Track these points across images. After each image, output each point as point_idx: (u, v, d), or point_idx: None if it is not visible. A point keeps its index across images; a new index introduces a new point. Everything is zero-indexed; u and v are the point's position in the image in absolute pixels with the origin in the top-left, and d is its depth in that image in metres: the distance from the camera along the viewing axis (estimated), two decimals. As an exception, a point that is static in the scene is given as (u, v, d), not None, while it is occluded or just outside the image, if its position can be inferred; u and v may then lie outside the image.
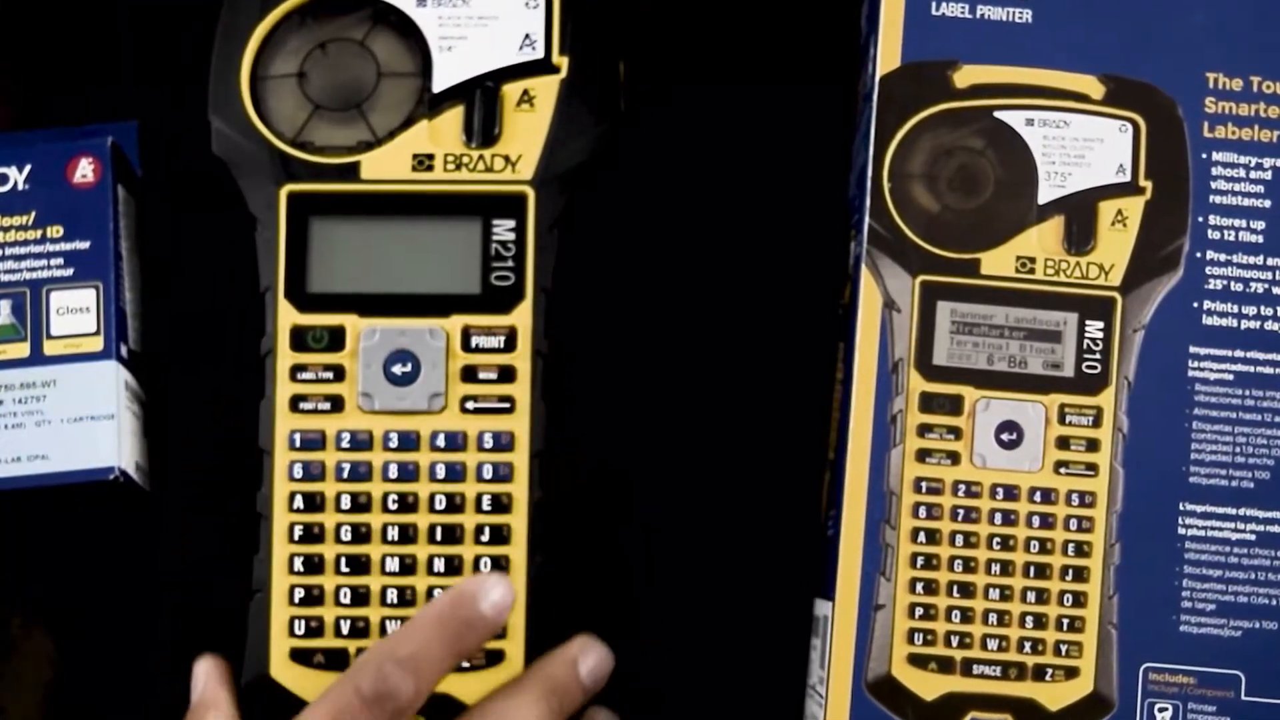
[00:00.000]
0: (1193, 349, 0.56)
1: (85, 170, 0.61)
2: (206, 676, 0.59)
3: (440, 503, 0.57)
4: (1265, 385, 0.56)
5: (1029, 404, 0.56)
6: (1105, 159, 0.57)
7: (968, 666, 0.56)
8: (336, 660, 0.56)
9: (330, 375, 0.57)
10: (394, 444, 0.57)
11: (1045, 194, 0.57)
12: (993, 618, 0.56)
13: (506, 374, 0.57)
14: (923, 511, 0.56)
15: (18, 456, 0.59)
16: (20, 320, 0.60)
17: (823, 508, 0.60)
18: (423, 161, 0.58)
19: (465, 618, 0.55)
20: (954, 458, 0.56)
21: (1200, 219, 0.57)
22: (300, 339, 0.58)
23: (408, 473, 0.57)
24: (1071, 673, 0.55)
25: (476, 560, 0.57)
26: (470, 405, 0.57)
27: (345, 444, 0.57)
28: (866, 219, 0.57)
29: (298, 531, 0.56)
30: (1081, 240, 0.56)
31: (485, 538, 0.57)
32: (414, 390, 0.57)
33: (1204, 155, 0.57)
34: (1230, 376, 0.56)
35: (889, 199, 0.57)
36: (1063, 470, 0.56)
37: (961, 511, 0.56)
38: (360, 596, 0.56)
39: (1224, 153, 0.57)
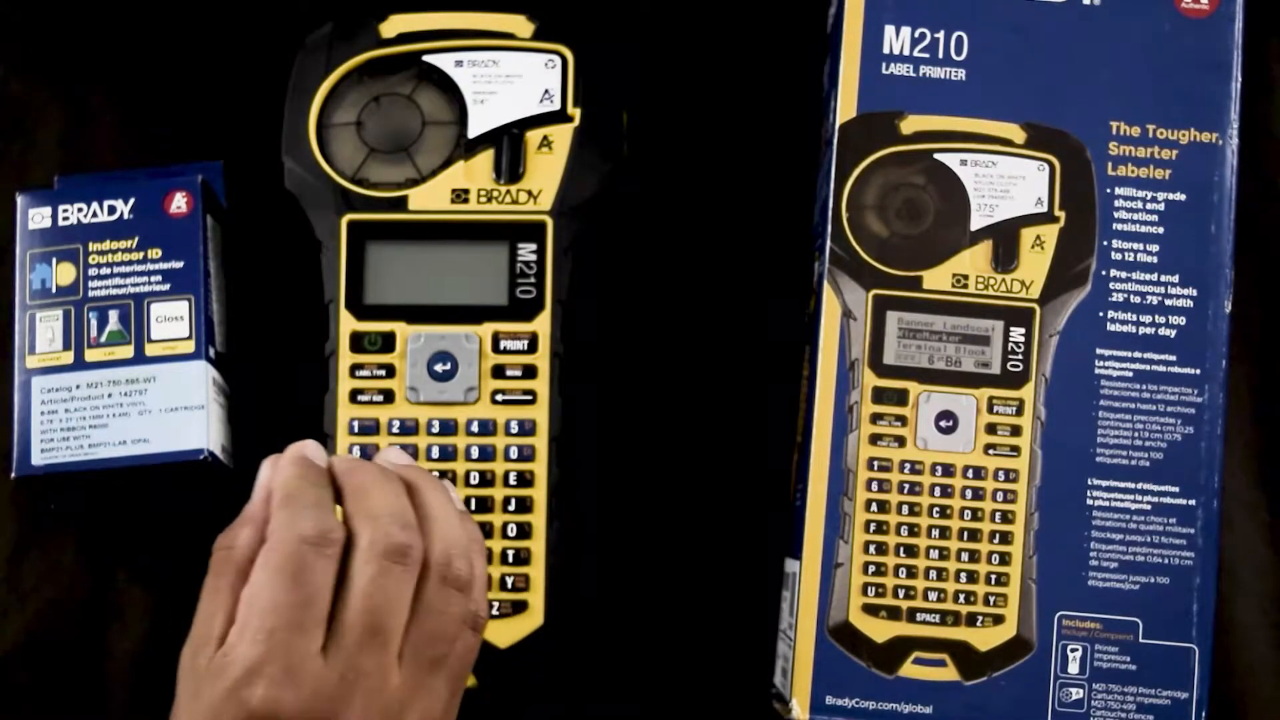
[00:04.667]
0: (1099, 350, 0.60)
1: (179, 203, 0.63)
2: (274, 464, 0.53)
3: (475, 478, 0.61)
4: (1158, 381, 0.59)
5: (963, 396, 0.60)
6: (1026, 193, 0.60)
7: (912, 614, 0.59)
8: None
9: (383, 373, 0.61)
10: (436, 430, 0.61)
11: (976, 222, 0.60)
12: (933, 574, 0.59)
13: (530, 372, 0.61)
14: (875, 486, 0.59)
15: (124, 440, 0.62)
16: (126, 327, 0.62)
17: (792, 482, 0.63)
18: (460, 195, 0.62)
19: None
20: (901, 441, 0.59)
21: (1105, 243, 0.60)
22: (358, 342, 0.62)
23: (448, 453, 0.61)
24: (998, 619, 0.59)
25: (504, 526, 0.60)
26: (499, 398, 0.61)
27: (395, 429, 0.61)
28: (828, 243, 0.60)
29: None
30: (1007, 260, 0.60)
31: (512, 508, 0.61)
32: (453, 385, 0.61)
33: (1108, 190, 0.60)
34: (1130, 374, 0.59)
35: (847, 226, 0.60)
36: (991, 451, 0.59)
37: (907, 486, 0.59)
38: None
39: (1125, 188, 0.60)
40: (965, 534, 0.60)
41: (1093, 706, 0.58)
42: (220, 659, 0.49)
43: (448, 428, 0.61)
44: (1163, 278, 0.60)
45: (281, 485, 0.51)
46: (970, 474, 0.60)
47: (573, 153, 0.62)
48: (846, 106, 0.61)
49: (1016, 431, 0.60)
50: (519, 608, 0.61)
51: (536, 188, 0.62)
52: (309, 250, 0.63)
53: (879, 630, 0.59)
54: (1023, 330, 0.60)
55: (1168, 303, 0.60)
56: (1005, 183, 0.60)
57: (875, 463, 0.60)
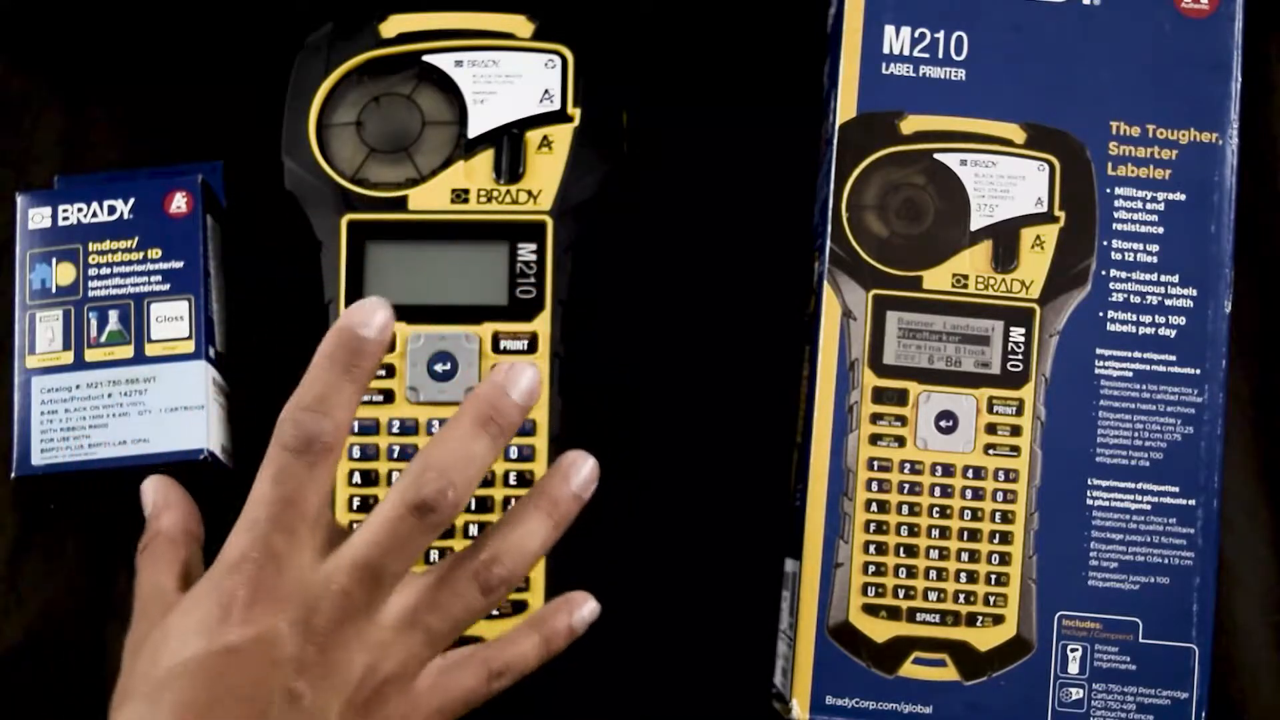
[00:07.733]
0: (1099, 350, 0.60)
1: (179, 203, 0.63)
2: (156, 488, 0.58)
3: (474, 479, 0.61)
4: (1158, 381, 0.60)
5: (963, 396, 0.60)
6: (1026, 193, 0.60)
7: (912, 614, 0.59)
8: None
9: (383, 372, 0.61)
10: (436, 430, 0.60)
11: (976, 222, 0.60)
12: (932, 574, 0.59)
13: (529, 371, 0.62)
14: (875, 486, 0.60)
15: (123, 440, 0.62)
16: (126, 327, 0.63)
17: (791, 483, 0.63)
18: (460, 195, 0.62)
19: (349, 346, 0.51)
20: (901, 441, 0.60)
21: (1105, 243, 0.60)
22: (358, 342, 0.62)
23: (448, 453, 0.62)
24: (998, 619, 0.59)
25: (504, 526, 0.60)
26: (499, 397, 0.62)
27: (395, 430, 0.61)
28: (828, 243, 0.60)
29: (355, 502, 0.61)
30: (1006, 260, 0.60)
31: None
32: (453, 385, 0.61)
33: (1108, 190, 0.60)
34: (1130, 374, 0.60)
35: (846, 226, 0.60)
36: (991, 452, 0.60)
37: (907, 486, 0.60)
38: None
39: (1125, 188, 0.60)
40: (965, 534, 0.60)
41: (1093, 706, 0.59)
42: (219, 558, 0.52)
43: (447, 428, 0.61)
44: (1163, 278, 0.60)
45: (308, 372, 0.52)
46: (970, 474, 0.60)
47: (573, 153, 0.62)
48: (846, 106, 0.61)
49: (1016, 431, 0.60)
50: (519, 608, 0.61)
51: (536, 188, 0.62)
52: (309, 250, 0.63)
53: (879, 630, 0.59)
54: (1023, 330, 0.60)
55: (1168, 303, 0.60)
56: (1005, 183, 0.61)
57: (875, 463, 0.60)
